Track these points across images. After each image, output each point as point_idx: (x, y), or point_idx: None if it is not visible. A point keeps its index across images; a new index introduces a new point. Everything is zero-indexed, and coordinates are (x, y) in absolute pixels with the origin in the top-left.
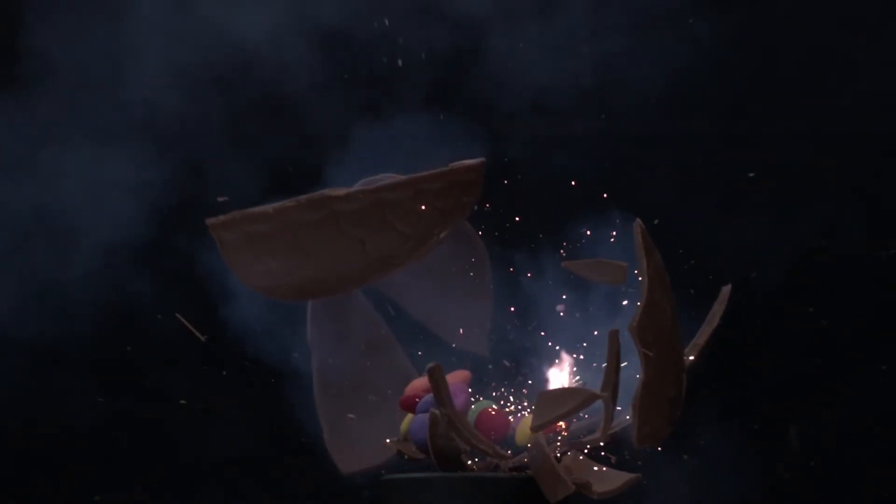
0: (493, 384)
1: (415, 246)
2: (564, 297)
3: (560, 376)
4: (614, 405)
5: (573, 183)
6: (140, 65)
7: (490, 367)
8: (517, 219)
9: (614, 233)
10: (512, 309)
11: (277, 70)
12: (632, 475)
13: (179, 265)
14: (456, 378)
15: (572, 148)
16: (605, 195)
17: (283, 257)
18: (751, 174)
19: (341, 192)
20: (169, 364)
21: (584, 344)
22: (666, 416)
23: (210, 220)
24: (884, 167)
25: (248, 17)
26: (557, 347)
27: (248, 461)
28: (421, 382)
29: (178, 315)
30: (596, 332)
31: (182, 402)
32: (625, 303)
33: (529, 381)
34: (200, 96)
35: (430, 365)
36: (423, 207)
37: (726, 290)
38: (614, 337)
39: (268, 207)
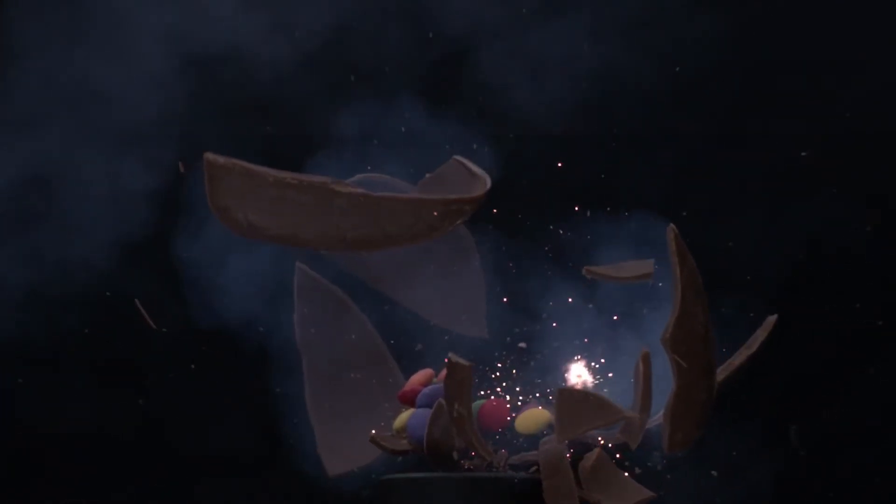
0: (499, 366)
1: (399, 244)
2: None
3: (573, 368)
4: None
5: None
6: (130, 61)
7: (496, 353)
8: (504, 215)
9: (615, 232)
10: (504, 300)
11: (271, 68)
12: (648, 493)
13: (179, 264)
14: None
15: (572, 147)
16: (603, 196)
17: (266, 217)
18: (803, 153)
19: (344, 188)
20: (169, 364)
21: (586, 339)
22: (696, 422)
23: (209, 156)
24: (884, 167)
25: (247, 15)
26: (564, 337)
27: (248, 461)
28: (420, 377)
29: (136, 301)
30: (616, 317)
31: (140, 401)
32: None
33: (536, 369)
34: (196, 94)
35: (459, 361)
36: (418, 223)
37: (772, 319)
38: (647, 358)
39: (269, 174)
